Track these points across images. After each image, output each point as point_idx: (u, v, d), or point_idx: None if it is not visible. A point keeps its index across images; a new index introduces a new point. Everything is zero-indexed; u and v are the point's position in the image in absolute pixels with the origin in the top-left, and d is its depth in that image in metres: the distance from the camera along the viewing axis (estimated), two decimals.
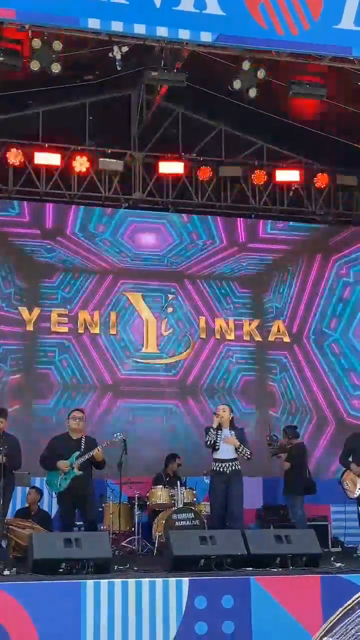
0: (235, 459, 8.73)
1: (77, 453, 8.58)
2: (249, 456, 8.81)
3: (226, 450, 8.72)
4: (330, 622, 3.35)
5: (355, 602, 3.32)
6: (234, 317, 12.94)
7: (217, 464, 8.73)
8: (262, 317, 13.08)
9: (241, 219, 13.20)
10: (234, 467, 8.72)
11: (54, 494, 8.80)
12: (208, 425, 9.06)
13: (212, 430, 8.77)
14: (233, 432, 8.81)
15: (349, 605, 3.34)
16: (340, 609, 3.36)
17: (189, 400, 12.62)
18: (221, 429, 8.78)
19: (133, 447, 9.71)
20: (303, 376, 13.05)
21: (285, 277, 13.23)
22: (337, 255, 13.42)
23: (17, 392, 11.98)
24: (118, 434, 8.99)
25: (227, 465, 8.70)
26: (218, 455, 8.75)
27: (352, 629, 3.31)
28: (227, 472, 8.68)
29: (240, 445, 8.73)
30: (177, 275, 12.84)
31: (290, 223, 13.43)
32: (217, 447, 8.71)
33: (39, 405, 12.04)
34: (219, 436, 8.74)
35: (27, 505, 10.46)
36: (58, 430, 9.36)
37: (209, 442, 8.73)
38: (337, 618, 3.37)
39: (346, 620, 3.34)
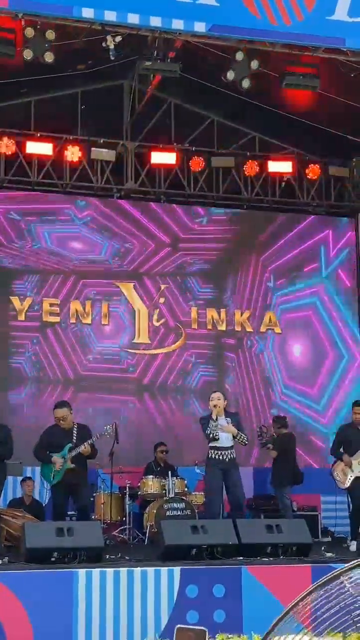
0: (232, 447, 8.73)
1: (69, 445, 8.60)
2: (246, 442, 8.86)
3: (224, 438, 8.70)
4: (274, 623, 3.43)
5: (298, 599, 3.40)
6: (227, 308, 12.94)
7: (215, 452, 8.70)
8: (258, 308, 13.07)
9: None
10: (232, 455, 8.73)
11: (47, 485, 8.84)
12: (204, 416, 9.05)
13: (211, 421, 8.72)
14: (229, 419, 8.80)
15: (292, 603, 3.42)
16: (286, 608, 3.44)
17: (181, 389, 12.64)
18: (217, 420, 8.75)
19: (123, 438, 9.72)
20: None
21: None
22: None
23: None
24: (107, 426, 9.02)
25: (226, 453, 8.69)
26: (216, 444, 8.70)
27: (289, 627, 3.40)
28: (226, 460, 8.68)
29: (237, 432, 8.73)
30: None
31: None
32: (216, 438, 8.68)
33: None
34: (217, 426, 8.70)
35: (22, 495, 10.47)
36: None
37: (210, 435, 8.66)
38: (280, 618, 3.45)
39: (286, 618, 3.42)
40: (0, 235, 12.20)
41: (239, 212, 13.32)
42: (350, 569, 3.36)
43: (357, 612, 3.38)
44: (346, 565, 3.39)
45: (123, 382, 12.43)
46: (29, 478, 10.50)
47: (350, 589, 3.36)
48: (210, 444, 8.75)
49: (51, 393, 12.04)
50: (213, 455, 8.72)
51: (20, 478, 10.55)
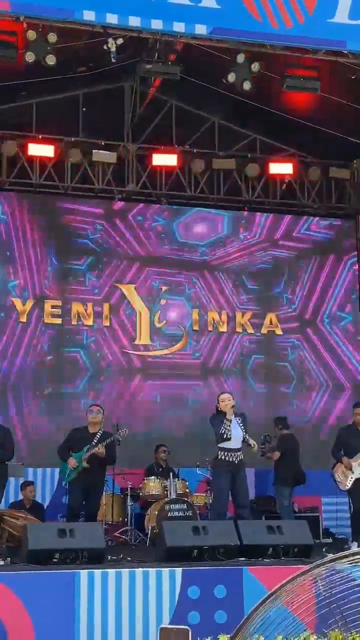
0: (240, 449, 8.75)
1: (87, 447, 8.79)
2: (254, 444, 8.87)
3: (235, 439, 8.71)
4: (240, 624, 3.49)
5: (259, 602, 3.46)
6: (241, 309, 13.04)
7: (225, 454, 8.71)
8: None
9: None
10: (240, 457, 8.76)
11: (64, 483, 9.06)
12: (213, 416, 9.02)
13: (226, 422, 8.70)
14: (239, 419, 8.81)
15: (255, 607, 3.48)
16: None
17: (181, 392, 12.67)
18: (230, 420, 8.75)
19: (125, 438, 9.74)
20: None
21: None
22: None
23: None
24: (123, 432, 9.11)
25: (236, 455, 8.72)
26: (227, 444, 8.70)
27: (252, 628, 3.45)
28: (235, 462, 8.71)
29: (247, 434, 8.75)
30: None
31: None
32: (229, 438, 8.68)
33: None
34: (230, 427, 8.69)
35: (21, 498, 10.49)
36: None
37: (225, 435, 8.65)
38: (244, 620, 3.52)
39: (249, 621, 3.47)
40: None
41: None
42: (323, 564, 3.42)
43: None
44: (319, 560, 3.44)
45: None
46: (31, 483, 10.51)
47: (321, 586, 3.41)
48: (220, 445, 8.74)
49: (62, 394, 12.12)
50: (223, 457, 8.74)
51: (22, 480, 10.57)
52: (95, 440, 8.88)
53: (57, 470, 9.75)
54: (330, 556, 3.48)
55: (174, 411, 12.56)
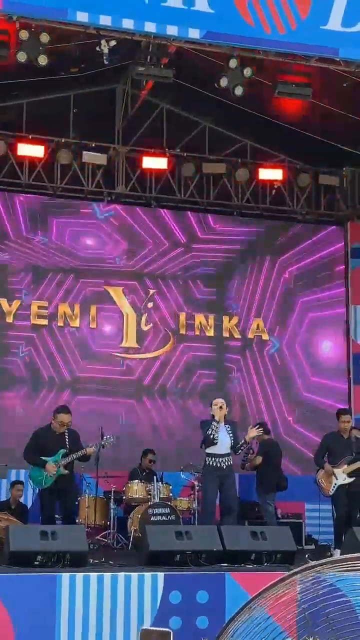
0: (229, 454, 8.74)
1: (63, 451, 8.56)
2: (240, 451, 8.88)
3: (223, 444, 8.70)
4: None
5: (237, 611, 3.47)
6: (217, 314, 12.98)
7: (213, 459, 8.70)
8: (247, 315, 13.11)
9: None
10: (229, 462, 8.75)
11: (35, 488, 8.83)
12: (205, 419, 9.03)
13: (214, 423, 8.69)
14: (228, 427, 8.80)
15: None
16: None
17: (167, 394, 12.65)
18: (219, 424, 8.74)
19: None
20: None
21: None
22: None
23: None
24: (109, 437, 9.01)
25: (224, 460, 8.70)
26: (214, 450, 8.70)
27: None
28: (223, 467, 8.69)
29: (237, 443, 8.75)
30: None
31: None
32: (215, 441, 8.67)
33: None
34: (217, 429, 8.69)
35: (9, 498, 10.44)
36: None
37: (212, 436, 8.64)
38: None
39: (230, 627, 3.49)
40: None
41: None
42: (305, 570, 3.42)
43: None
44: (300, 567, 3.45)
45: (118, 384, 12.42)
46: (20, 482, 10.45)
47: (302, 593, 3.42)
48: (208, 450, 8.74)
49: (46, 395, 12.01)
50: (210, 463, 8.73)
51: (4, 480, 10.51)
52: (67, 442, 8.59)
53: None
54: (312, 563, 3.47)
55: (161, 416, 12.54)
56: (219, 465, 8.69)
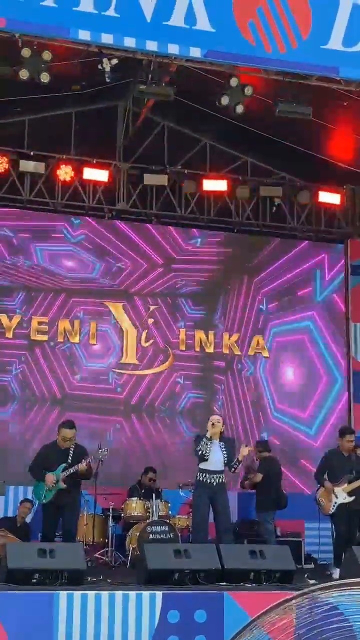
0: (222, 471, 8.66)
1: (63, 465, 8.54)
2: (235, 470, 8.82)
3: (215, 461, 8.64)
4: None
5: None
6: (217, 330, 12.96)
7: (203, 475, 8.64)
8: (247, 331, 13.08)
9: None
10: (220, 480, 8.66)
11: (37, 504, 8.81)
12: (199, 434, 8.99)
13: (205, 439, 8.67)
14: (223, 444, 8.74)
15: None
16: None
17: (168, 411, 12.62)
18: (211, 439, 8.72)
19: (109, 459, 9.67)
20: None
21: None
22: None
23: None
24: (104, 450, 8.96)
25: (215, 477, 8.63)
26: (206, 466, 8.64)
27: None
28: (214, 484, 8.62)
29: (232, 461, 8.68)
30: (142, 288, 12.78)
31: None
32: (206, 457, 8.64)
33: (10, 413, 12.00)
34: (210, 446, 8.66)
35: (16, 515, 10.42)
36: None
37: (200, 452, 8.60)
38: None
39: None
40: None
41: (233, 235, 13.35)
42: (305, 593, 3.40)
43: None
44: (302, 590, 3.43)
45: (110, 402, 12.38)
46: (28, 500, 10.41)
47: (299, 616, 3.40)
48: (200, 466, 8.69)
49: (37, 412, 11.99)
50: (201, 478, 8.66)
51: (2, 497, 10.48)
52: (70, 457, 8.61)
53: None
54: (313, 586, 3.45)
55: (159, 433, 12.51)
56: (208, 481, 8.63)
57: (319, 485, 9.51)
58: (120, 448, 12.03)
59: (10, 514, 10.91)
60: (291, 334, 13.26)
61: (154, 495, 10.24)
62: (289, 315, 13.29)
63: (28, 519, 10.63)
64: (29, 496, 9.93)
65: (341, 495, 9.25)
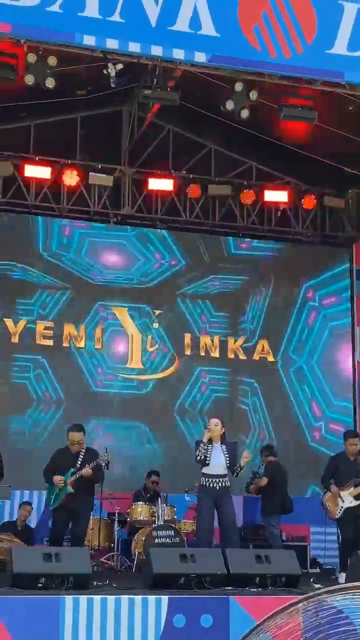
0: (225, 475, 8.64)
1: (72, 470, 8.57)
2: (238, 474, 8.80)
3: (217, 465, 8.62)
4: None
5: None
6: (221, 335, 12.98)
7: (206, 479, 8.63)
8: (250, 336, 13.11)
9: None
10: (223, 484, 8.63)
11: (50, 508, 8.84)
12: (199, 439, 8.98)
13: (202, 444, 8.67)
14: (224, 447, 8.73)
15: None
16: None
17: (174, 416, 12.62)
18: (212, 443, 8.69)
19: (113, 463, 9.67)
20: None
21: (258, 299, 13.23)
22: (305, 278, 13.46)
23: None
24: (107, 455, 8.96)
25: (218, 481, 8.60)
26: (208, 470, 8.63)
27: None
28: (217, 488, 8.60)
29: (235, 464, 8.65)
30: (150, 292, 12.84)
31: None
32: (207, 462, 8.61)
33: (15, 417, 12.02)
34: (209, 451, 8.65)
35: (16, 519, 10.43)
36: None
37: (199, 457, 8.59)
38: None
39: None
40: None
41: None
42: (311, 597, 3.39)
43: None
44: (307, 594, 3.42)
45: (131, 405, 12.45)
46: (28, 503, 10.42)
47: (305, 619, 3.39)
48: (202, 470, 8.67)
49: (54, 415, 12.02)
50: (204, 483, 8.65)
51: (8, 501, 10.49)
52: (79, 461, 8.64)
53: (45, 492, 9.62)
54: (319, 589, 3.44)
55: (165, 436, 12.52)
56: (212, 485, 8.61)
57: (325, 490, 9.50)
58: (130, 451, 12.04)
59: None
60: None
61: (159, 499, 10.23)
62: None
63: (32, 523, 10.64)
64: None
65: (347, 499, 9.24)
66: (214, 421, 8.84)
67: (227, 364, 12.96)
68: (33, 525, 10.91)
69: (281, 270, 13.45)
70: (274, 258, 13.49)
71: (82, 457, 8.67)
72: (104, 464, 8.83)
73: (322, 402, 13.16)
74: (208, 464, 8.62)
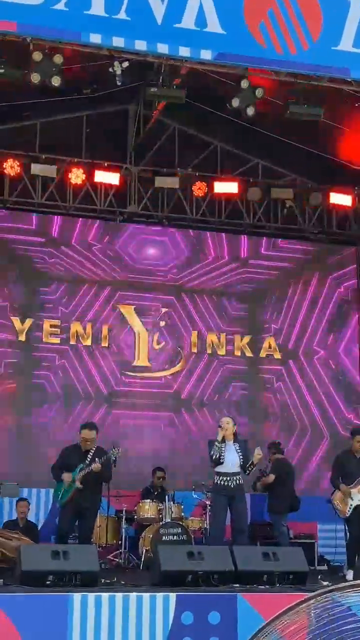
0: (238, 473, 8.67)
1: (81, 466, 8.59)
2: (250, 472, 8.82)
3: (230, 463, 8.65)
4: None
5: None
6: (228, 332, 12.98)
7: (220, 478, 8.66)
8: (257, 333, 13.13)
9: (244, 235, 13.33)
10: (238, 482, 8.67)
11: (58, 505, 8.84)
12: (212, 439, 8.99)
13: (217, 443, 8.69)
14: (237, 445, 8.76)
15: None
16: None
17: (182, 413, 12.63)
18: (225, 442, 8.72)
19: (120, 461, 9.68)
20: (299, 392, 13.09)
21: (283, 295, 13.30)
22: (334, 275, 13.55)
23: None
24: (116, 450, 8.96)
25: (232, 479, 8.64)
26: (222, 468, 8.66)
27: None
28: (232, 486, 8.63)
29: (247, 462, 8.67)
30: (174, 288, 12.90)
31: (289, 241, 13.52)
32: (221, 460, 8.64)
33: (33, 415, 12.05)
34: (223, 449, 8.68)
35: (16, 517, 10.42)
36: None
37: (214, 456, 8.62)
38: None
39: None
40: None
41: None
42: (320, 594, 3.39)
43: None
44: (320, 590, 3.42)
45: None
46: (24, 499, 10.45)
47: (313, 617, 3.39)
48: (216, 469, 8.69)
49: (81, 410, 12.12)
50: (218, 481, 8.68)
51: (16, 499, 10.51)
52: (88, 459, 8.68)
53: (52, 491, 9.64)
54: (328, 586, 3.44)
55: (172, 434, 12.52)
56: (226, 484, 8.64)
57: (334, 489, 9.47)
58: (136, 448, 12.06)
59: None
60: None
61: (167, 497, 10.23)
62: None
63: (39, 522, 10.66)
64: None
65: (357, 497, 9.21)
66: (226, 419, 8.89)
67: (233, 362, 12.95)
68: (40, 524, 10.92)
69: (293, 267, 13.50)
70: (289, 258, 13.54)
71: (91, 455, 8.69)
72: (114, 458, 8.84)
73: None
74: (222, 463, 8.64)
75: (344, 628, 3.54)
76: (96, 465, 8.51)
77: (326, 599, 3.38)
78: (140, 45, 8.16)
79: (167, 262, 12.95)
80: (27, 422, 12.01)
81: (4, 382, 12.00)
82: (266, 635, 3.46)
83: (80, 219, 12.74)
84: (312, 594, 3.39)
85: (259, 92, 9.74)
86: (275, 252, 13.47)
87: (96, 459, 8.58)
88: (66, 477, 8.59)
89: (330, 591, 3.33)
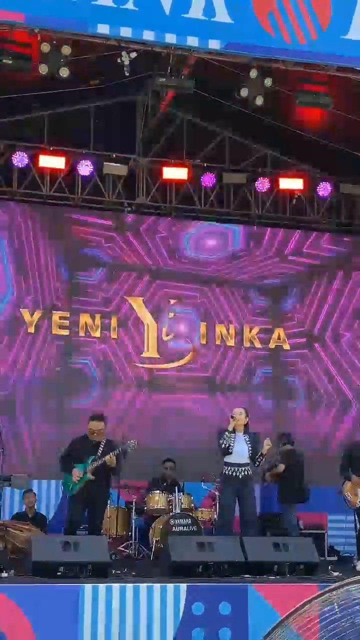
0: (247, 464, 8.65)
1: (93, 457, 8.58)
2: (259, 464, 8.83)
3: (239, 454, 8.63)
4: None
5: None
6: (249, 323, 13.07)
7: (229, 468, 8.64)
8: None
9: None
10: (246, 472, 8.65)
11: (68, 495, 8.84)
12: (222, 429, 8.97)
13: (227, 433, 8.68)
14: (247, 437, 8.74)
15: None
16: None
17: (190, 405, 12.65)
18: (235, 432, 8.71)
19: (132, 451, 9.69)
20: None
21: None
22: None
23: None
24: (132, 442, 8.93)
25: (241, 469, 8.62)
26: (231, 459, 8.64)
27: None
28: (240, 476, 8.61)
29: (256, 454, 8.67)
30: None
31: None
32: (230, 450, 8.63)
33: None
34: (232, 439, 8.66)
35: (24, 508, 10.45)
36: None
37: (224, 445, 8.60)
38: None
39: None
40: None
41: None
42: (341, 586, 3.38)
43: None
44: (337, 583, 3.41)
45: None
46: (30, 490, 10.47)
47: (338, 610, 3.38)
48: (225, 459, 8.68)
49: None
50: (226, 472, 8.67)
51: (23, 491, 10.53)
52: (100, 450, 8.62)
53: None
54: (341, 578, 3.43)
55: (181, 425, 12.52)
56: (234, 474, 8.62)
57: (344, 480, 9.44)
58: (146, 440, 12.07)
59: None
60: None
61: (176, 488, 10.24)
62: None
63: (49, 514, 10.68)
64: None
65: None
66: (239, 410, 8.87)
67: (244, 353, 12.95)
68: (50, 515, 10.95)
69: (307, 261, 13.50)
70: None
71: (102, 447, 8.66)
72: (129, 450, 8.82)
73: None
74: (231, 453, 8.63)
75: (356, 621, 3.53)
76: (110, 458, 8.47)
77: (344, 593, 3.37)
78: (148, 35, 8.14)
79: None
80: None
81: None
82: (283, 629, 3.46)
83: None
84: (330, 587, 3.37)
85: (267, 82, 9.71)
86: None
87: (110, 452, 8.54)
88: (75, 473, 8.51)
89: (350, 583, 3.32)
